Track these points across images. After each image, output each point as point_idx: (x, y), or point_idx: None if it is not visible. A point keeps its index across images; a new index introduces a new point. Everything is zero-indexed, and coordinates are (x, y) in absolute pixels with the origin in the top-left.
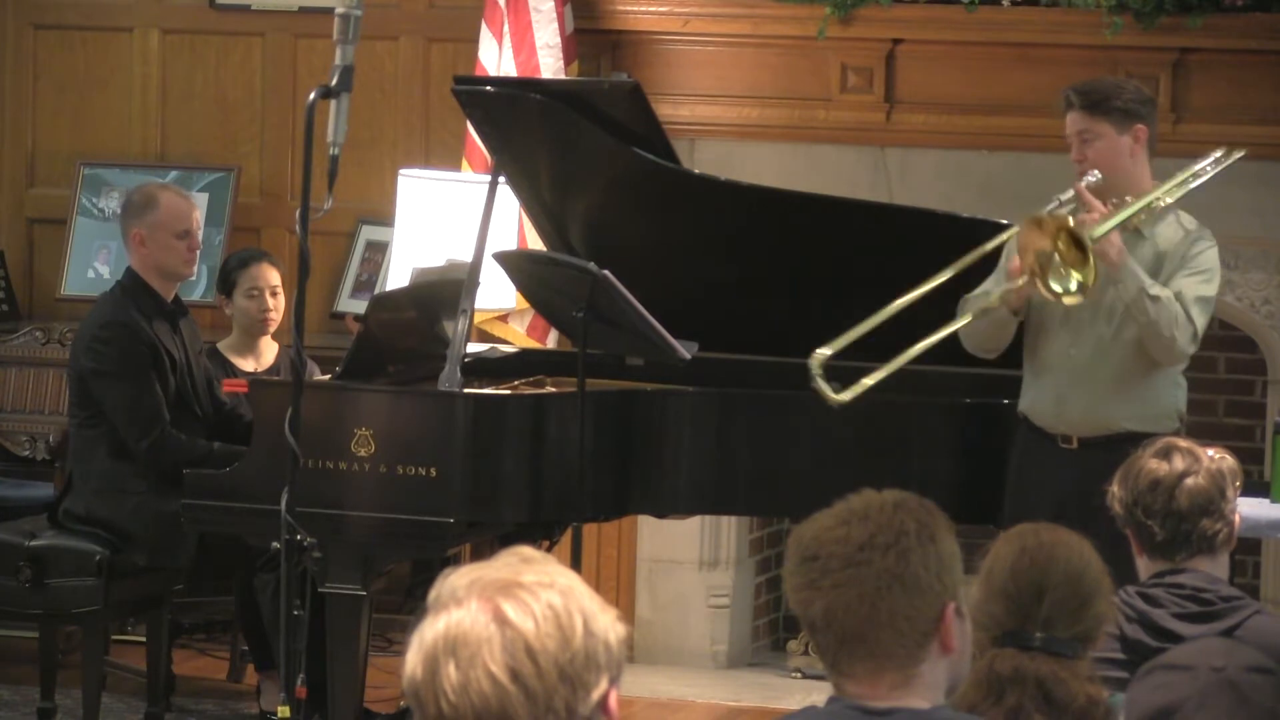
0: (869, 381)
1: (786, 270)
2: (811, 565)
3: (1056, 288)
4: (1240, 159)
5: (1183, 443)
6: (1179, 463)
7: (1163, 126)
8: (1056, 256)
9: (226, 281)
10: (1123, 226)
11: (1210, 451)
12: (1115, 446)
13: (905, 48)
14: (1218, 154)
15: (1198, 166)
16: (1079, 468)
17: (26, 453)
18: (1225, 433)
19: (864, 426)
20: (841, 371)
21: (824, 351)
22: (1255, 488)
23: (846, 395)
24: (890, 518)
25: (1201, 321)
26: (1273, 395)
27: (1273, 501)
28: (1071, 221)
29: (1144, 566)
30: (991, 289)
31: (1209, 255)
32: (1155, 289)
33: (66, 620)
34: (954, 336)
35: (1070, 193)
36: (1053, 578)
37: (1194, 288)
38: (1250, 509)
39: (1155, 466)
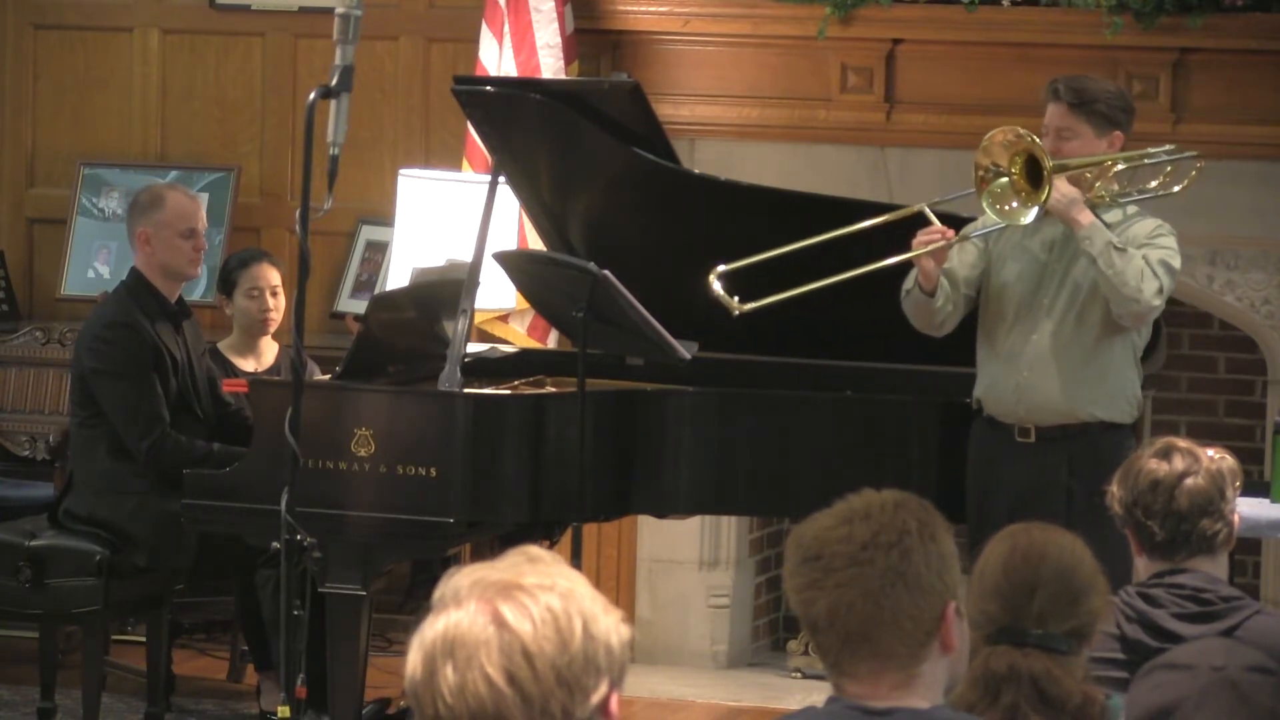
0: (774, 298)
1: (786, 271)
2: (814, 565)
3: (986, 206)
4: (1203, 166)
5: (1182, 443)
6: (1179, 463)
7: (1162, 126)
8: (1007, 180)
9: (227, 281)
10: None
11: (1210, 451)
12: (1072, 437)
13: (905, 48)
14: (1170, 146)
15: (1152, 150)
16: (1036, 462)
17: (26, 453)
18: (1225, 433)
19: (864, 426)
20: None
21: (722, 267)
22: (1255, 488)
23: (749, 305)
24: (892, 517)
25: (1167, 281)
26: (1273, 395)
27: (1273, 501)
28: (1040, 142)
29: (1143, 566)
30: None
31: (1170, 239)
32: (1121, 244)
33: (66, 620)
34: (953, 338)
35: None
36: (1044, 574)
37: (1158, 253)
38: (1250, 509)
39: (1155, 467)
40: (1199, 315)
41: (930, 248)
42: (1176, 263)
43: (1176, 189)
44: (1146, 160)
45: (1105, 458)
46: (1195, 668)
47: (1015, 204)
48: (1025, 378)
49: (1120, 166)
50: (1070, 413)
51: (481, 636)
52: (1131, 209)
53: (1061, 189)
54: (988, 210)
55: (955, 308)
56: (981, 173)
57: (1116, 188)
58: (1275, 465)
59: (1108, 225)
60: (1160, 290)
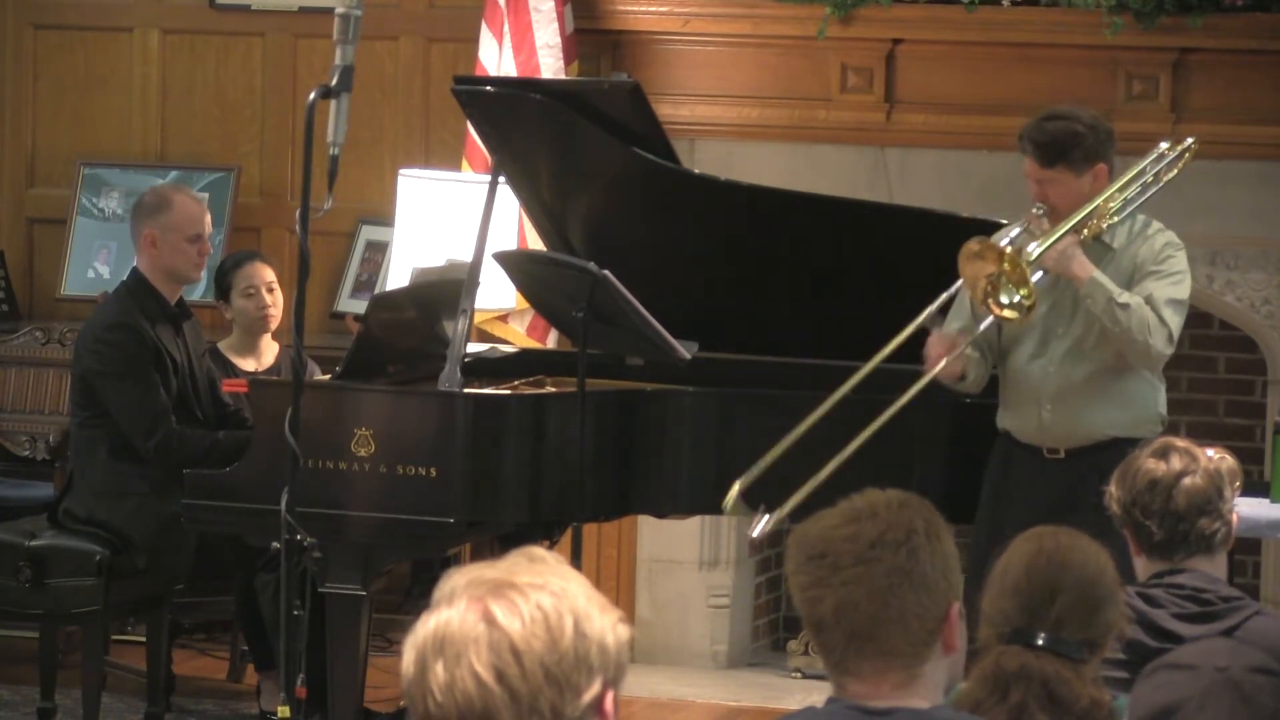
0: (785, 510)
1: (786, 270)
2: (820, 563)
3: (1009, 311)
4: (1197, 149)
5: (1180, 442)
6: (1176, 463)
7: (1163, 126)
8: (1003, 277)
9: (222, 284)
10: (1087, 240)
11: (1210, 451)
12: (1101, 451)
13: (905, 48)
14: (1163, 147)
15: (1140, 166)
16: (1065, 474)
17: (26, 453)
18: (1225, 433)
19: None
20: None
21: (737, 487)
22: (1255, 488)
23: (763, 531)
24: (898, 515)
25: (1175, 323)
26: (1273, 395)
27: (1273, 501)
28: (1007, 247)
29: (1142, 567)
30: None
31: (1178, 259)
32: (1124, 297)
33: (66, 620)
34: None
35: (1017, 229)
36: (1066, 580)
37: (1164, 290)
38: (1250, 509)
39: (1153, 466)
40: (1199, 315)
41: (944, 364)
42: (1184, 291)
43: (1171, 175)
44: (1138, 180)
45: None
46: (1199, 668)
47: (1011, 289)
48: (1048, 412)
49: (1114, 204)
50: (1091, 436)
51: (471, 634)
52: (1137, 226)
53: (1056, 247)
54: (1008, 315)
55: (986, 364)
56: (985, 295)
57: (1115, 206)
58: (1275, 465)
59: (1110, 250)
60: (1170, 338)
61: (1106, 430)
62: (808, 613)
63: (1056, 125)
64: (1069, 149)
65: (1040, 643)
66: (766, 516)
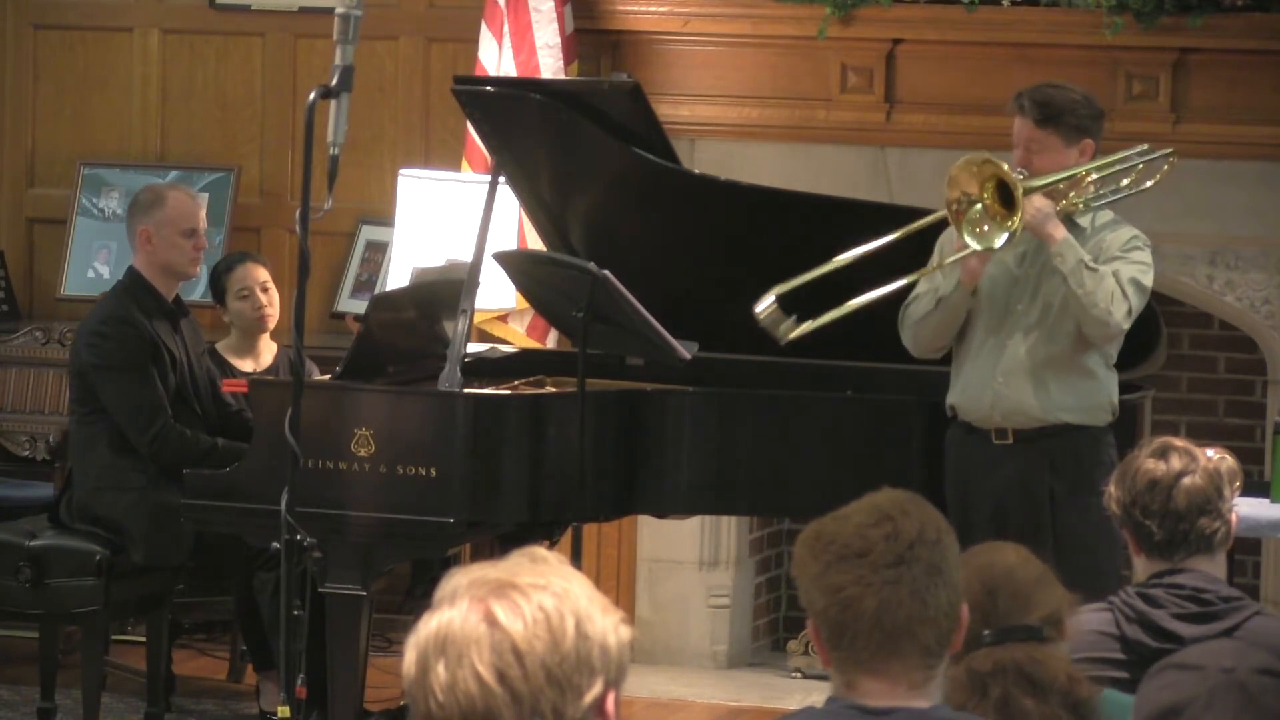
0: (812, 325)
1: (787, 270)
2: (860, 562)
3: (967, 237)
4: (1175, 162)
5: (1180, 442)
6: (1176, 462)
7: (1163, 126)
8: (980, 206)
9: (217, 288)
10: (1060, 215)
11: (1210, 451)
12: (1050, 437)
13: (905, 48)
14: (1144, 146)
15: (1124, 154)
16: (1015, 462)
17: (26, 453)
18: (1225, 433)
19: (864, 426)
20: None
21: (773, 292)
22: (1255, 488)
23: (794, 334)
24: (926, 514)
25: (1136, 302)
26: (1273, 395)
27: (1273, 501)
28: (1006, 167)
29: (1142, 566)
30: (925, 290)
31: (1145, 252)
32: (1093, 263)
33: (66, 620)
34: None
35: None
36: (995, 576)
37: (1130, 270)
38: (1250, 509)
39: (1153, 466)
40: (1199, 315)
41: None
42: (1148, 279)
43: (1148, 184)
44: (1119, 166)
45: (1085, 456)
46: (1204, 669)
47: (989, 227)
48: (1000, 385)
49: (1094, 176)
50: (1042, 418)
51: (473, 635)
52: (1106, 216)
53: (1035, 203)
54: (968, 240)
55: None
56: (955, 206)
57: (1091, 192)
58: (1275, 465)
59: (1080, 230)
60: (1129, 312)
61: (1058, 414)
62: (840, 613)
63: (1055, 90)
64: (1064, 112)
65: (1007, 637)
66: (794, 317)
